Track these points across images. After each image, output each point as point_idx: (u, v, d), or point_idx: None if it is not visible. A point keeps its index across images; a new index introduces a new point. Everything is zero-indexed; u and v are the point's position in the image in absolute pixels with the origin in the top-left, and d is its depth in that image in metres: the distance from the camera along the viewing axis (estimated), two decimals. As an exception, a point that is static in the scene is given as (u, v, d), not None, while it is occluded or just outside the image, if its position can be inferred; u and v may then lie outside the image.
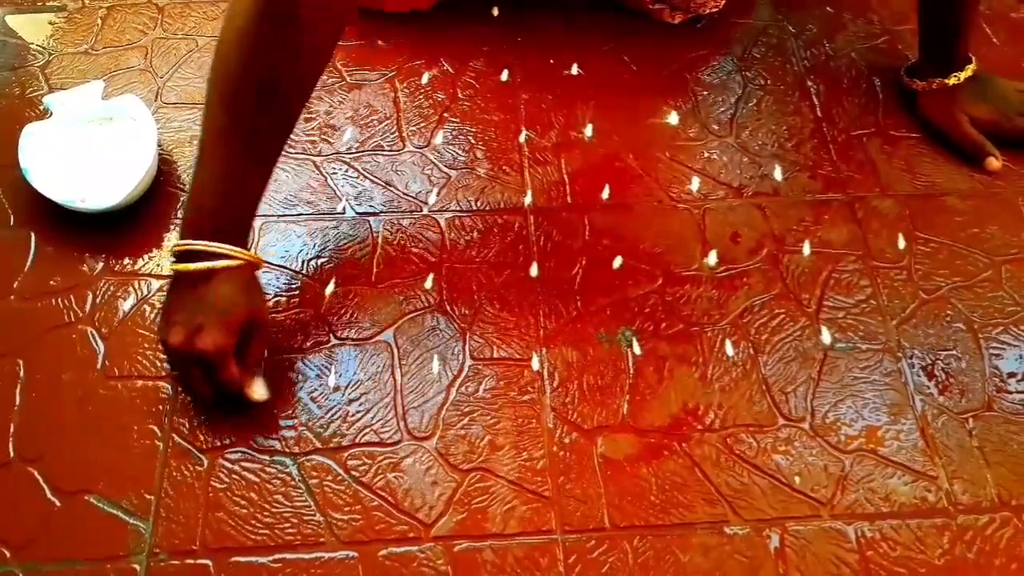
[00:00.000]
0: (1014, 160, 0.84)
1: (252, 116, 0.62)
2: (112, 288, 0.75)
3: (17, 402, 0.69)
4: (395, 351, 0.72)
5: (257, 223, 0.79)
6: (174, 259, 0.65)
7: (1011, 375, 0.71)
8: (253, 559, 0.62)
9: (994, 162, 0.82)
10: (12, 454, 0.66)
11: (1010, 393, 0.70)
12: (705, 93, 0.89)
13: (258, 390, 0.67)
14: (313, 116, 0.86)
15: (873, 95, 0.89)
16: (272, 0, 0.58)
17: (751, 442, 0.67)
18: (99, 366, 0.71)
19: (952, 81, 0.83)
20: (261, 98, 0.62)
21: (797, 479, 0.66)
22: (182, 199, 0.81)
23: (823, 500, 0.65)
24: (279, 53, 0.60)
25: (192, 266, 0.63)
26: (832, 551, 0.63)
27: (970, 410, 0.69)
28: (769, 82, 0.90)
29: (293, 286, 0.75)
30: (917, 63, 0.87)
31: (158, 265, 0.76)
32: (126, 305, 0.74)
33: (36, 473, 0.66)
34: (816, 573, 0.62)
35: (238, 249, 0.65)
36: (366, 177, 0.82)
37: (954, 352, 0.72)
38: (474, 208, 0.81)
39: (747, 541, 0.63)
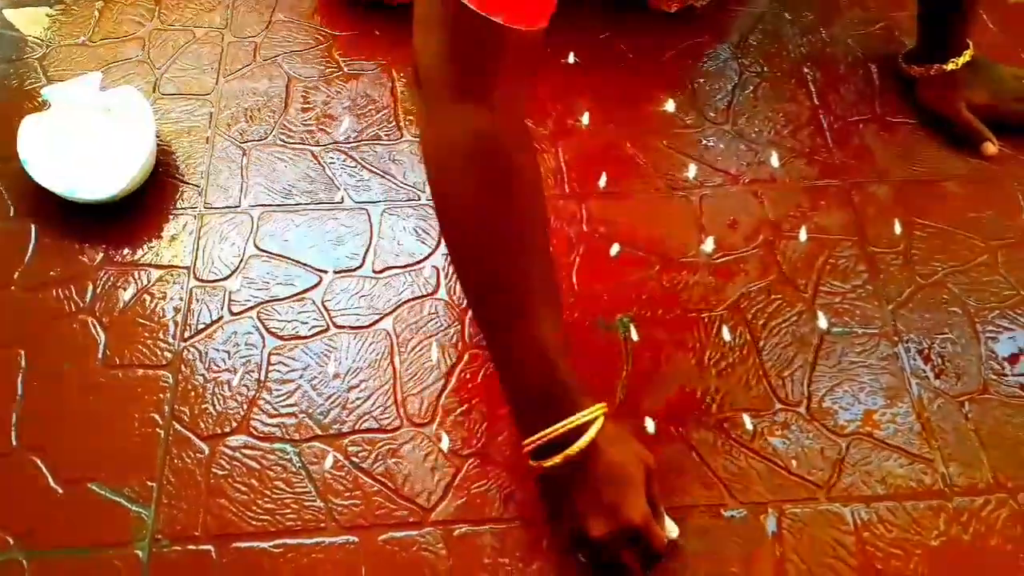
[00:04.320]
0: (1010, 145, 0.84)
1: (515, 270, 0.56)
2: (112, 278, 0.76)
3: (19, 392, 0.69)
4: (394, 338, 0.72)
5: (256, 212, 0.79)
6: (535, 458, 0.58)
7: (1007, 358, 0.71)
8: (254, 544, 0.63)
9: (990, 147, 0.82)
10: (15, 443, 0.67)
11: (1006, 376, 0.70)
12: (702, 81, 0.89)
13: (672, 529, 0.61)
14: (311, 106, 0.87)
15: (869, 81, 0.90)
16: (475, 142, 0.53)
17: (748, 426, 0.68)
18: (100, 355, 0.71)
19: (950, 67, 0.83)
20: (517, 244, 0.56)
21: (794, 462, 0.66)
22: (181, 189, 0.81)
23: (820, 483, 0.65)
24: (506, 186, 0.54)
25: (573, 449, 0.55)
26: (829, 533, 0.63)
27: (966, 393, 0.70)
28: (766, 69, 0.90)
29: (292, 275, 0.76)
30: (915, 49, 0.87)
31: (157, 255, 0.77)
32: (126, 295, 0.75)
33: (39, 461, 0.66)
34: (813, 555, 0.62)
35: (591, 408, 0.57)
36: (364, 167, 0.83)
37: (950, 336, 0.73)
38: (472, 196, 0.81)
39: (744, 524, 0.64)
